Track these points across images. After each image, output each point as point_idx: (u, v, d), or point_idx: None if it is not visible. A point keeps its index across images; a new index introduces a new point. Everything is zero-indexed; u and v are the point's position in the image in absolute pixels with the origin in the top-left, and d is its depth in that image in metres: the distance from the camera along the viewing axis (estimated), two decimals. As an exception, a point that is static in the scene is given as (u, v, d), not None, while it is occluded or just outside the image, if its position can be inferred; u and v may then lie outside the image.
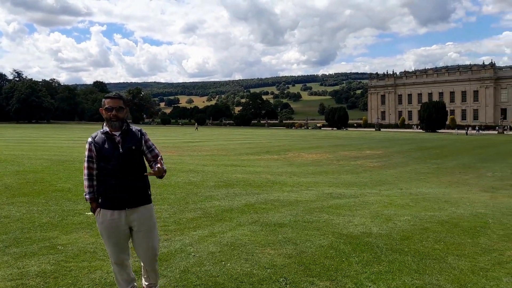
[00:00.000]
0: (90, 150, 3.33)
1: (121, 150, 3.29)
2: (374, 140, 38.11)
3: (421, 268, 4.70)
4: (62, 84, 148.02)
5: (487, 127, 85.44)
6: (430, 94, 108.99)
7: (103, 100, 3.37)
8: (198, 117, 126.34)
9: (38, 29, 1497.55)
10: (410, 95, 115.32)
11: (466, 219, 7.49)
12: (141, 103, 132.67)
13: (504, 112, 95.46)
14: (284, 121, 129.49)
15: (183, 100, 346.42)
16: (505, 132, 69.96)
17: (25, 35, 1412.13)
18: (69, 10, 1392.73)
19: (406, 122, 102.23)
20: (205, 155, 21.54)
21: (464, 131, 68.63)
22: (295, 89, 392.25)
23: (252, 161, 19.69)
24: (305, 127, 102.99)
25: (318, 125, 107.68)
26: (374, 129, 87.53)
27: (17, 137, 35.53)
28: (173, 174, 12.02)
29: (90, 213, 6.71)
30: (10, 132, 46.95)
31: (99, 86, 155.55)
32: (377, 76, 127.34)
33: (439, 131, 76.50)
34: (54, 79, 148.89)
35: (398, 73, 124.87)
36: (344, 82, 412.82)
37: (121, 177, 3.26)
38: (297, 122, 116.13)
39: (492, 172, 17.84)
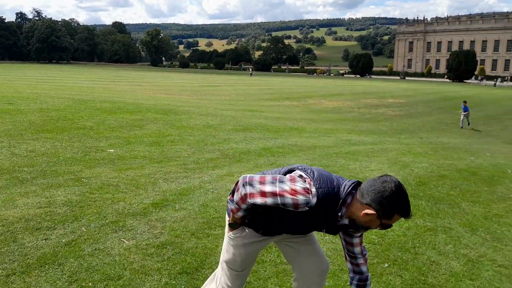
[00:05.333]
0: None
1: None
2: (397, 89, 37.20)
3: (434, 211, 4.76)
4: (81, 24, 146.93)
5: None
6: (461, 43, 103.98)
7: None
8: (216, 61, 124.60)
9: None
10: (440, 43, 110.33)
11: (485, 168, 7.43)
12: (160, 46, 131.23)
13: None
14: (305, 67, 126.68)
15: (202, 43, 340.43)
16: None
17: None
18: None
19: (432, 71, 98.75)
20: (224, 100, 21.55)
21: (492, 82, 66.03)
22: (319, 33, 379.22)
23: (271, 107, 19.62)
24: (327, 73, 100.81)
25: (341, 72, 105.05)
26: (399, 77, 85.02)
27: (38, 77, 36.02)
28: (191, 117, 12.14)
29: (112, 150, 6.94)
30: (31, 72, 47.59)
31: (118, 27, 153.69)
32: (406, 21, 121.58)
33: (467, 81, 73.85)
34: (73, 19, 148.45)
35: (429, 19, 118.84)
36: (371, 27, 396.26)
37: None
38: (319, 69, 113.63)
39: (518, 124, 17.38)
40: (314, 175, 1.86)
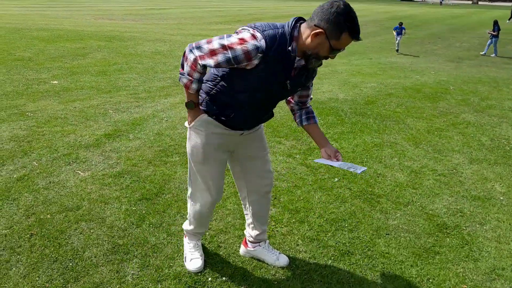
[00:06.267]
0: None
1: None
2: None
3: (381, 128, 5.03)
4: None
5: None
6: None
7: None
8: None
9: None
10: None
11: (429, 86, 7.80)
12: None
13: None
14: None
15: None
16: (479, 2, 68.72)
17: None
18: None
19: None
20: (171, 24, 20.47)
21: (438, 1, 66.86)
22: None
23: (222, 30, 18.94)
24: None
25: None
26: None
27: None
28: (138, 43, 11.53)
29: (56, 81, 6.55)
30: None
31: None
32: None
33: (415, 0, 74.30)
34: None
35: None
36: None
37: None
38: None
39: (460, 43, 18.04)
40: (256, 24, 1.83)
